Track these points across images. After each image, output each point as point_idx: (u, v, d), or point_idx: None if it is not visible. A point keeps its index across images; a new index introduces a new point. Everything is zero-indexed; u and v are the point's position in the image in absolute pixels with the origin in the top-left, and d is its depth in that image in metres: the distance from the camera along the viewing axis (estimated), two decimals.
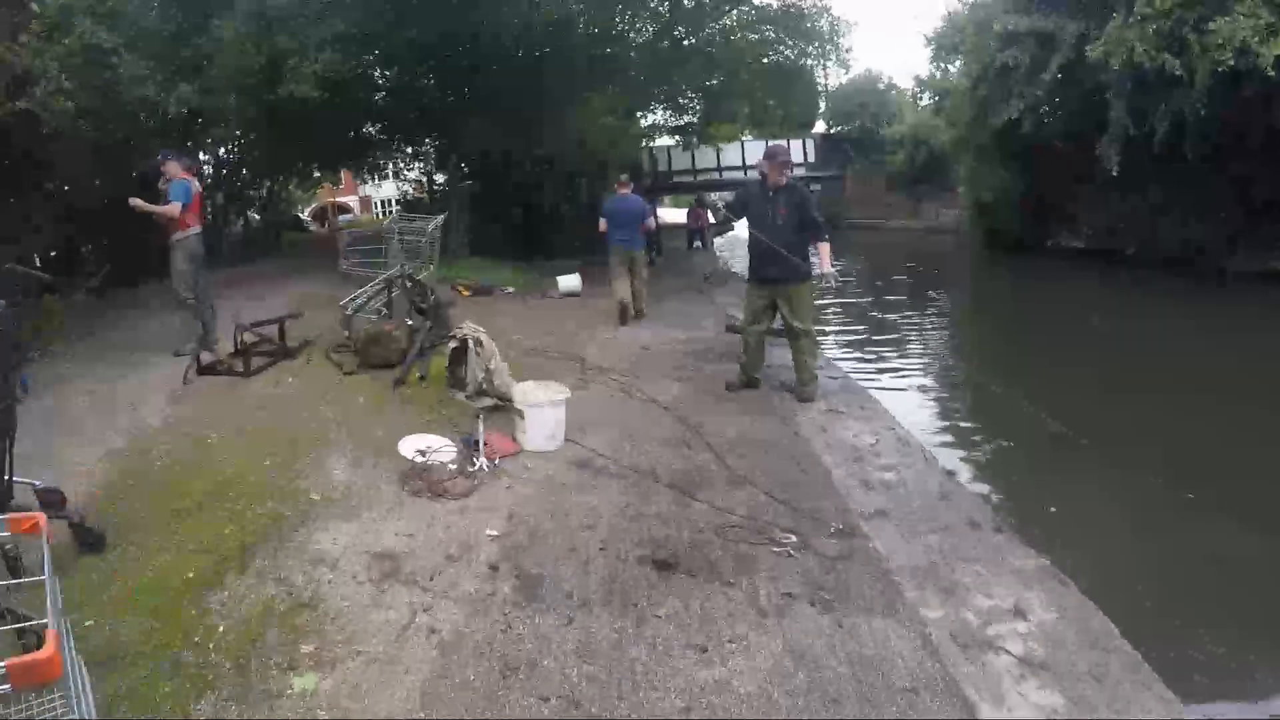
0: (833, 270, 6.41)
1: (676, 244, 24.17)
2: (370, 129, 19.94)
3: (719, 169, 36.73)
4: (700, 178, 35.87)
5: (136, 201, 7.08)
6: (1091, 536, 4.95)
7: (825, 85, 21.90)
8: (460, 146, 17.39)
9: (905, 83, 69.35)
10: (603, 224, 10.72)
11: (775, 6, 17.70)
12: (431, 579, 3.63)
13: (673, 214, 39.38)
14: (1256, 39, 13.86)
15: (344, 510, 4.33)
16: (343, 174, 26.35)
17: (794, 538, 4.10)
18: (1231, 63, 14.12)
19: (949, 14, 31.34)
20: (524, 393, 5.34)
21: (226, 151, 19.88)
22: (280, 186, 23.53)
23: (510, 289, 12.85)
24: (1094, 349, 10.84)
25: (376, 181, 26.63)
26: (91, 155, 10.27)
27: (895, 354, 10.87)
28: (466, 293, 11.84)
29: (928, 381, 9.44)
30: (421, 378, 6.39)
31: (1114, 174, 17.18)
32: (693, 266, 18.98)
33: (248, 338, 7.13)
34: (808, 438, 5.78)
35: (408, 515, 4.30)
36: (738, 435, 5.71)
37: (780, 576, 3.71)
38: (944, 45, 30.70)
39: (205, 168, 19.01)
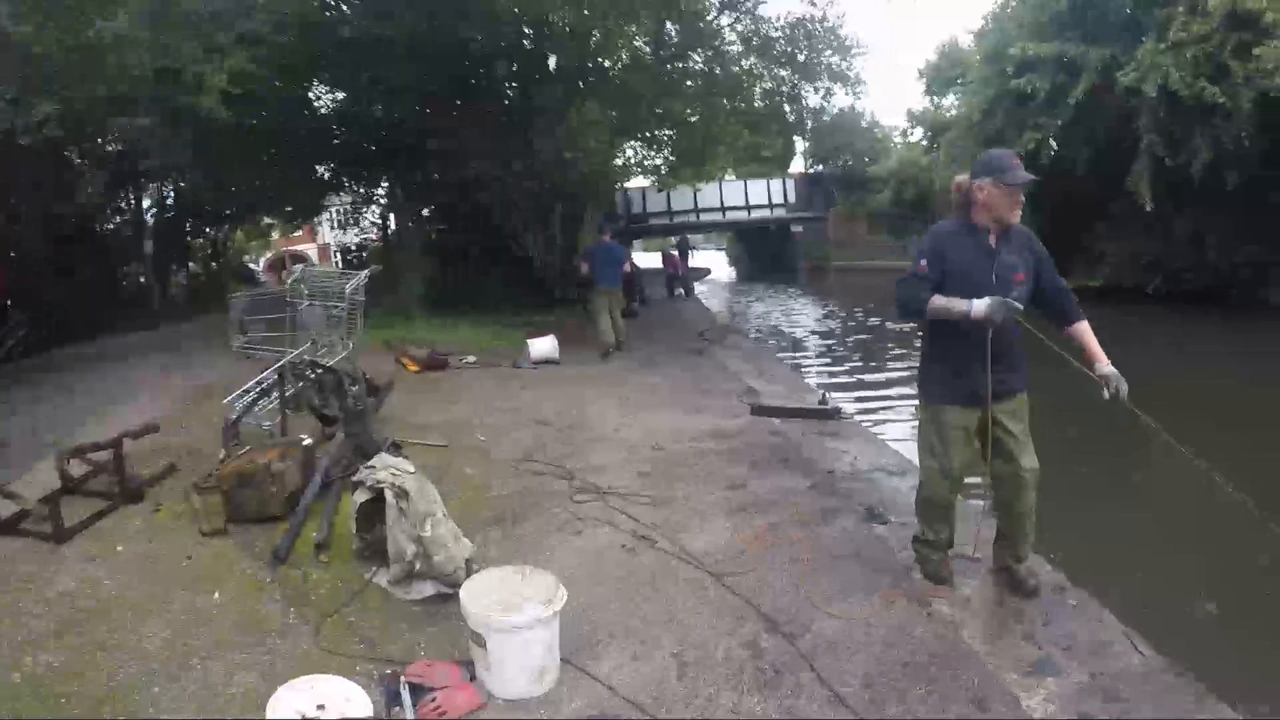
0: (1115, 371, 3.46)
1: (652, 289, 21.92)
2: (321, 168, 17.73)
3: (696, 210, 34.96)
4: (677, 219, 34.01)
5: None
6: None
7: (823, 114, 19.87)
8: (415, 175, 15.08)
9: (888, 119, 69.15)
10: (584, 267, 11.60)
11: (783, 22, 15.74)
12: None
13: (646, 258, 37.36)
14: None
15: None
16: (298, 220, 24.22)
17: None
18: None
19: (945, 45, 30.11)
20: (482, 598, 2.98)
21: (159, 193, 17.68)
22: (225, 235, 21.31)
23: (471, 358, 10.45)
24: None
25: (336, 228, 24.19)
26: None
27: None
28: (414, 367, 9.41)
29: None
30: (320, 547, 3.95)
31: (1147, 207, 15.91)
32: (681, 319, 16.82)
33: (73, 467, 4.75)
34: (970, 646, 3.46)
35: None
36: (862, 642, 3.38)
37: None
38: (939, 78, 29.43)
39: (145, 214, 17.00)
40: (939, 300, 3.35)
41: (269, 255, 34.34)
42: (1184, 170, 15.45)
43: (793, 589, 3.79)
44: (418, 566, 3.43)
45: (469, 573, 3.46)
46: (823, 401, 7.73)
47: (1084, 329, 3.59)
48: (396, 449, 5.56)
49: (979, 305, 3.26)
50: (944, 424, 3.60)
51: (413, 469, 3.55)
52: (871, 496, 5.13)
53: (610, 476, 5.52)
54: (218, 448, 5.24)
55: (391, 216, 18.56)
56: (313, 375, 5.36)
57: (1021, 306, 3.32)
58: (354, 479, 3.67)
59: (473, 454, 5.94)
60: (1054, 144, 18.29)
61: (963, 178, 3.51)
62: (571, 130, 13.25)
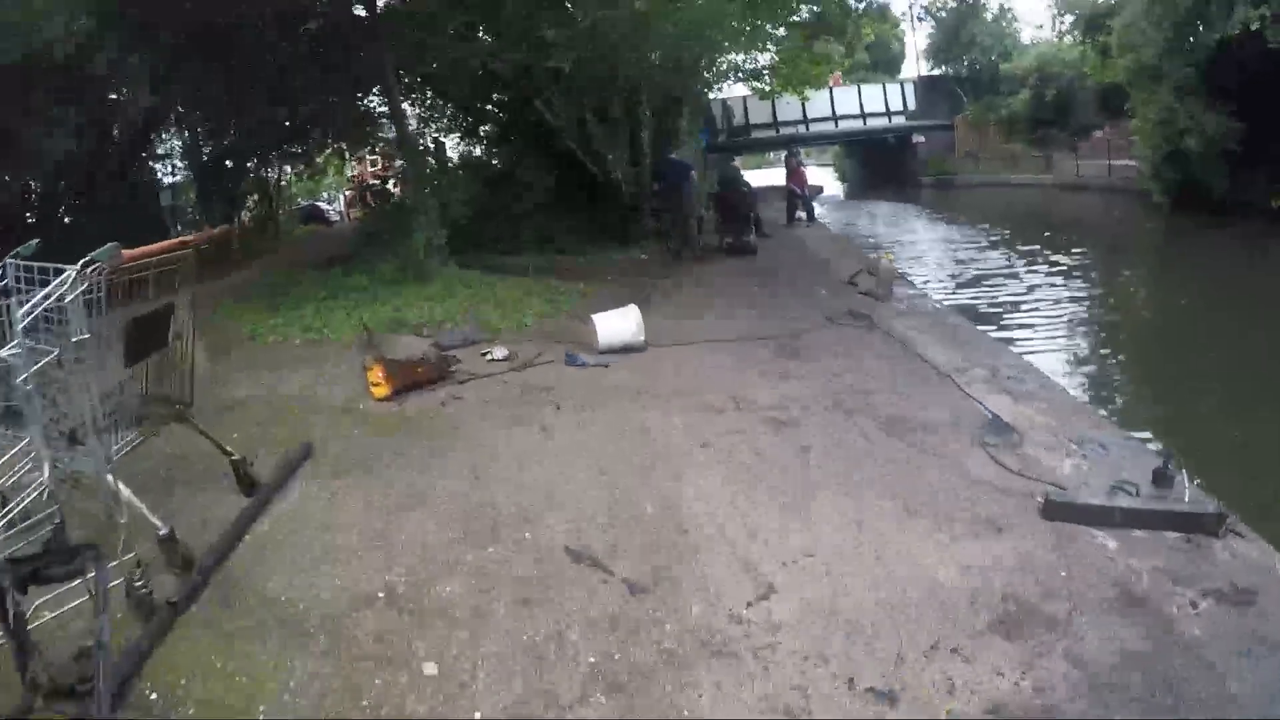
0: None
1: (771, 214, 16.82)
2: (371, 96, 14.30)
3: (805, 121, 30.14)
4: (783, 131, 29.27)
5: None
6: None
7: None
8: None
9: (1024, 11, 60.07)
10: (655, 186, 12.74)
11: None
12: None
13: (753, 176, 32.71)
14: None
15: None
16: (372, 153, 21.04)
17: None
18: None
19: None
20: None
21: (187, 131, 15.39)
22: (276, 174, 18.22)
23: (500, 352, 6.35)
24: None
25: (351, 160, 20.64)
26: None
27: None
28: (383, 389, 5.28)
29: None
30: None
31: None
32: (813, 257, 12.25)
33: None
34: None
35: None
36: None
37: None
38: None
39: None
40: None
41: (347, 191, 29.22)
42: None
43: None
44: None
45: None
46: (1166, 476, 3.31)
47: None
48: None
49: None
50: None
51: None
52: None
53: None
54: None
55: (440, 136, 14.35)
56: None
57: None
58: None
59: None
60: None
61: None
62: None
